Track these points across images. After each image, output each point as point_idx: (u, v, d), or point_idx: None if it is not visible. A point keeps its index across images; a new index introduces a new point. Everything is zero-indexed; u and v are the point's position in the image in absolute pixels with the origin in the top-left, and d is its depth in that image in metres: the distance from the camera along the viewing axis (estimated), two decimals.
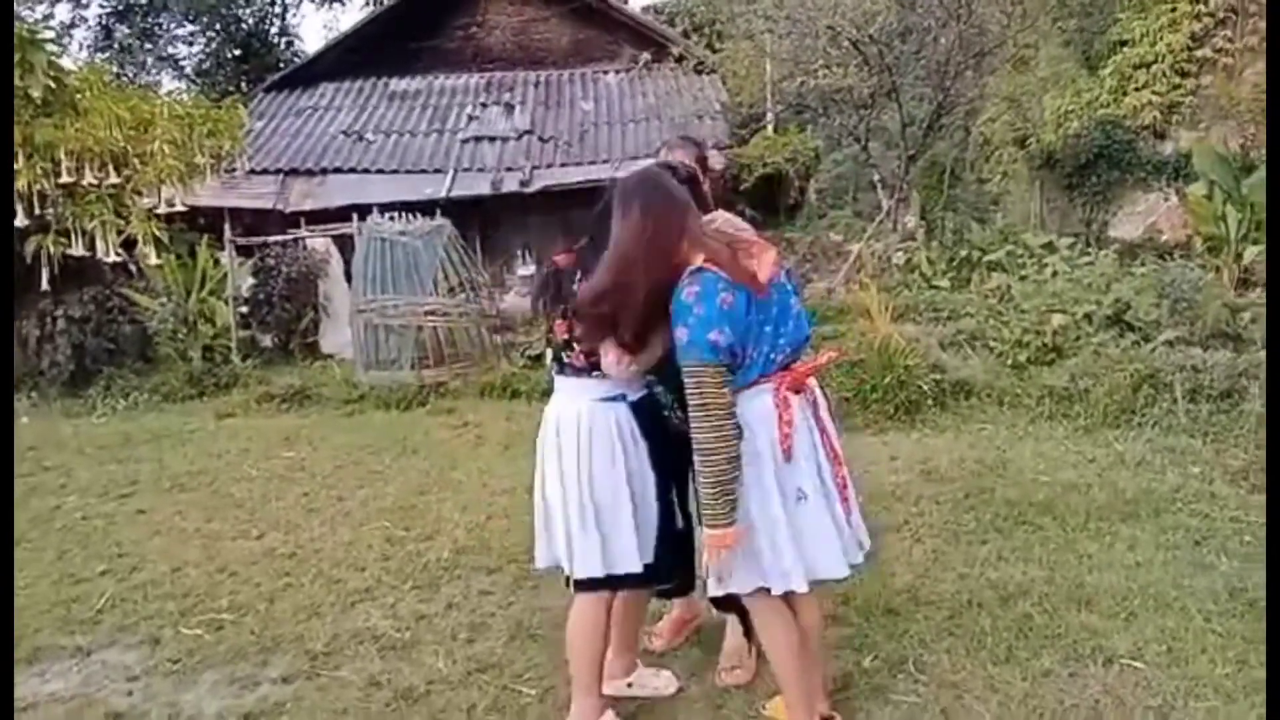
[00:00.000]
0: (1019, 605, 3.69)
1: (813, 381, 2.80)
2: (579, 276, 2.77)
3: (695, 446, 2.54)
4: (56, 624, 4.02)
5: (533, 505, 2.98)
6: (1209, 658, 3.25)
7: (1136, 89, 12.80)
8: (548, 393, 3.02)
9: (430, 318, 8.86)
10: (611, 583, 2.86)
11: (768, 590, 2.71)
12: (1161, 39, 12.50)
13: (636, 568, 2.81)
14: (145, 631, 3.91)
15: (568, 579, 2.90)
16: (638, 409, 2.87)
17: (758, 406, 2.64)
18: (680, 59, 14.58)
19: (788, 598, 2.74)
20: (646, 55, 15.68)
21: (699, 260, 2.57)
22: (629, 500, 2.80)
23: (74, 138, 7.94)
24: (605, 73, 15.88)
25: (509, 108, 14.87)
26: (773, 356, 2.65)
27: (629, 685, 3.18)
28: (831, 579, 2.77)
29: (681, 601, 3.56)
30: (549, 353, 2.79)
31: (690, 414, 2.54)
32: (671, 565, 2.97)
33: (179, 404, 8.80)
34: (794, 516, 2.64)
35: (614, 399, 2.82)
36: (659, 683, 3.25)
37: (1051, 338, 7.34)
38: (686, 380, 2.53)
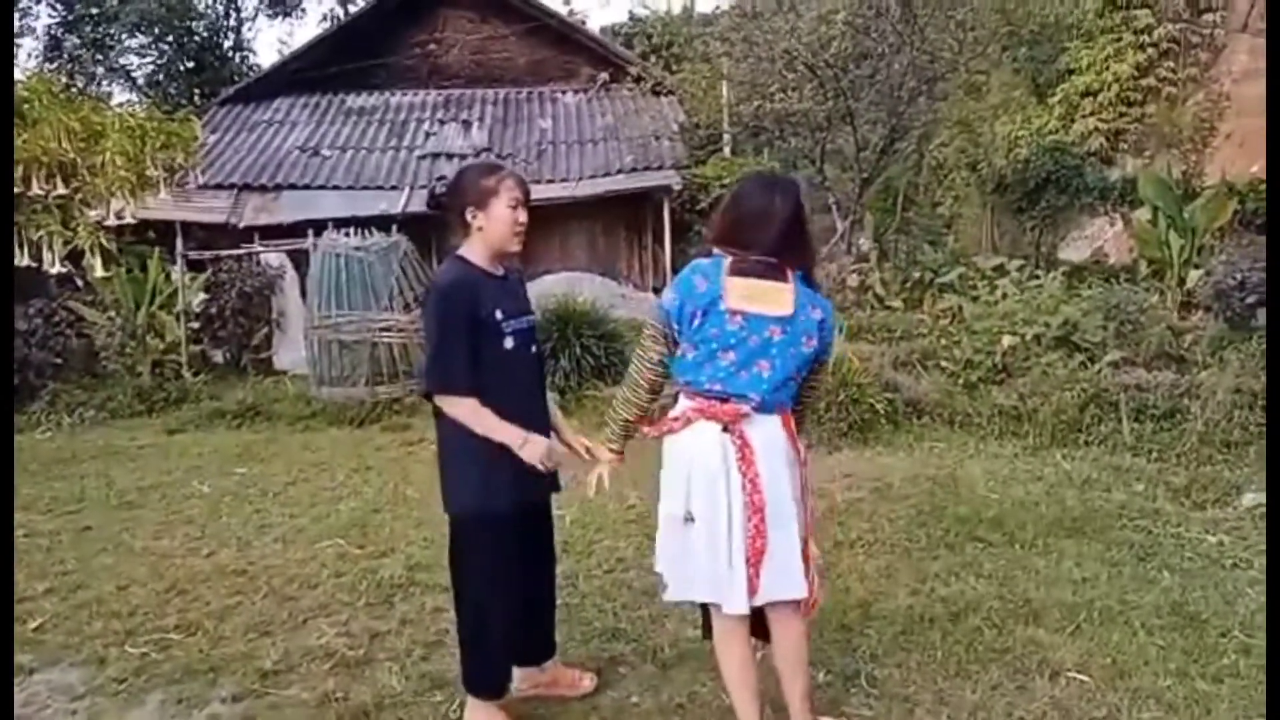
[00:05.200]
0: (969, 620, 3.75)
1: (757, 429, 2.72)
2: None
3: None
4: None
5: None
6: (1152, 670, 3.32)
7: (1084, 116, 13.13)
8: None
9: (385, 334, 8.80)
10: None
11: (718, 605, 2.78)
12: (1108, 68, 12.85)
13: None
14: (90, 651, 3.83)
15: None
16: None
17: (678, 407, 2.81)
18: (638, 80, 14.68)
19: (760, 616, 2.81)
20: (604, 75, 15.77)
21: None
22: None
23: (21, 148, 7.79)
24: (563, 92, 15.94)
25: (466, 125, 14.86)
26: (701, 377, 2.72)
27: None
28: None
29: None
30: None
31: None
32: None
33: (127, 420, 8.65)
34: (683, 535, 2.75)
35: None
36: None
37: (1001, 358, 7.47)
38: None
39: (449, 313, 2.88)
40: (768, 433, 2.74)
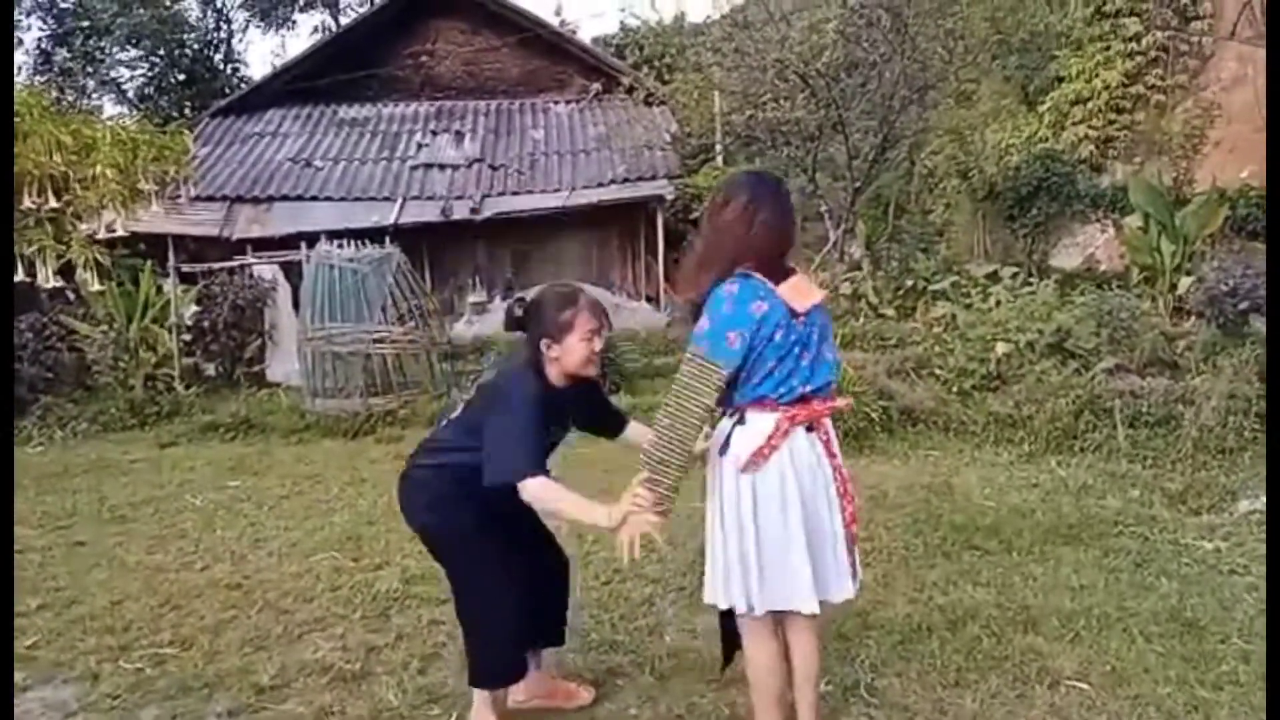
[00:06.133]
0: (967, 628, 3.74)
1: (828, 423, 2.82)
2: None
3: (656, 424, 2.69)
4: None
5: None
6: (1151, 678, 3.32)
7: (1074, 124, 13.15)
8: None
9: (379, 346, 8.78)
10: None
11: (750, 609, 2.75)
12: (1097, 76, 12.88)
13: None
14: (83, 667, 3.79)
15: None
16: None
17: (761, 425, 2.68)
18: (630, 90, 14.71)
19: (782, 621, 2.81)
20: (597, 86, 15.80)
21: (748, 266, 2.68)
22: None
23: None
24: (556, 102, 15.98)
25: (459, 135, 14.87)
26: (794, 384, 2.68)
27: None
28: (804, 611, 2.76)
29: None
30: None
31: (669, 396, 2.66)
32: None
33: (119, 433, 8.61)
34: (762, 544, 2.69)
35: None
36: None
37: (995, 365, 7.47)
38: (684, 364, 2.65)
39: (529, 413, 2.84)
40: (830, 418, 2.83)
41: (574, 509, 2.80)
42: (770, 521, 2.68)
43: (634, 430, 3.26)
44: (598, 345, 2.97)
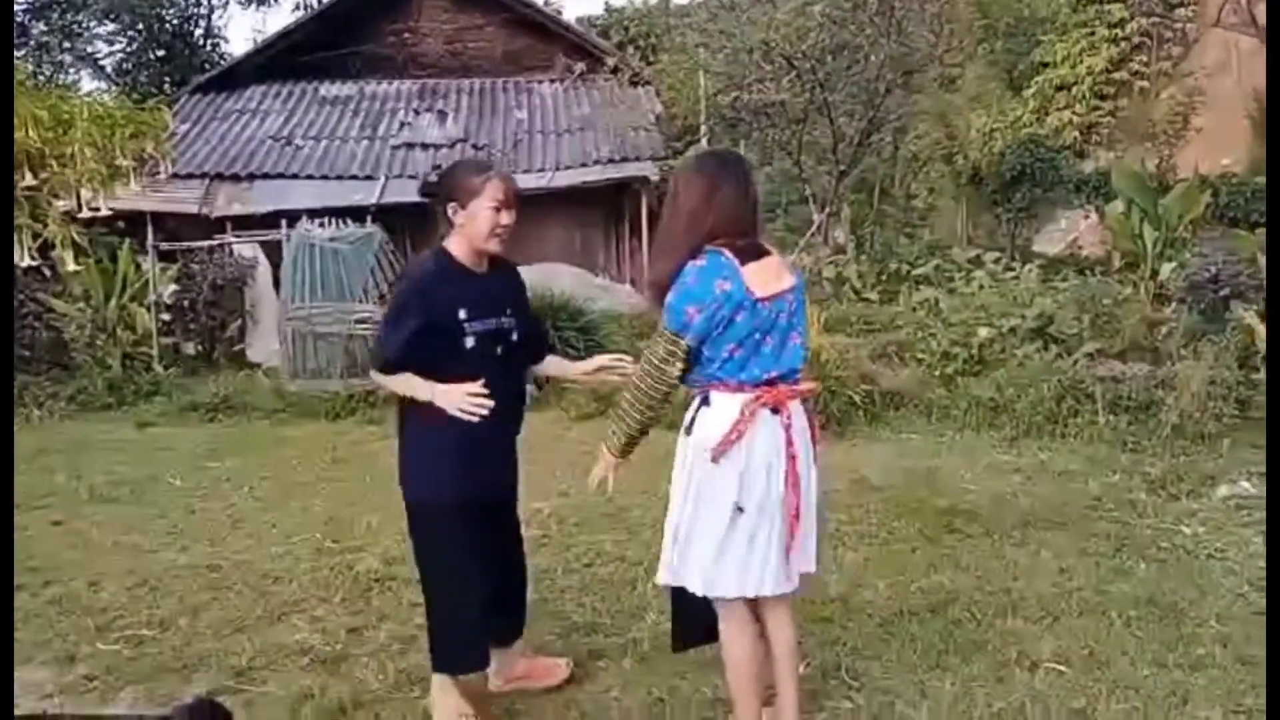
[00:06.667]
0: (948, 612, 3.75)
1: (795, 407, 2.75)
2: None
3: (628, 387, 2.81)
4: None
5: None
6: (1129, 660, 3.34)
7: (1058, 109, 13.21)
8: None
9: (360, 326, 8.71)
10: None
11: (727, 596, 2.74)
12: (1081, 62, 12.93)
13: None
14: (60, 648, 3.76)
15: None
16: None
17: (728, 407, 2.66)
18: (615, 70, 14.62)
19: (756, 610, 2.79)
20: (581, 66, 15.69)
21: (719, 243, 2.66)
22: None
23: None
24: (540, 82, 15.84)
25: (442, 115, 14.74)
26: (755, 371, 2.66)
27: None
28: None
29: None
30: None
31: (639, 364, 2.76)
32: None
33: (97, 413, 8.52)
34: (731, 529, 2.67)
35: None
36: None
37: (978, 350, 7.50)
38: (655, 337, 2.71)
39: (402, 300, 2.95)
40: (798, 405, 2.77)
41: (415, 390, 2.89)
42: (715, 514, 2.68)
43: (553, 363, 3.29)
44: (504, 219, 2.92)
